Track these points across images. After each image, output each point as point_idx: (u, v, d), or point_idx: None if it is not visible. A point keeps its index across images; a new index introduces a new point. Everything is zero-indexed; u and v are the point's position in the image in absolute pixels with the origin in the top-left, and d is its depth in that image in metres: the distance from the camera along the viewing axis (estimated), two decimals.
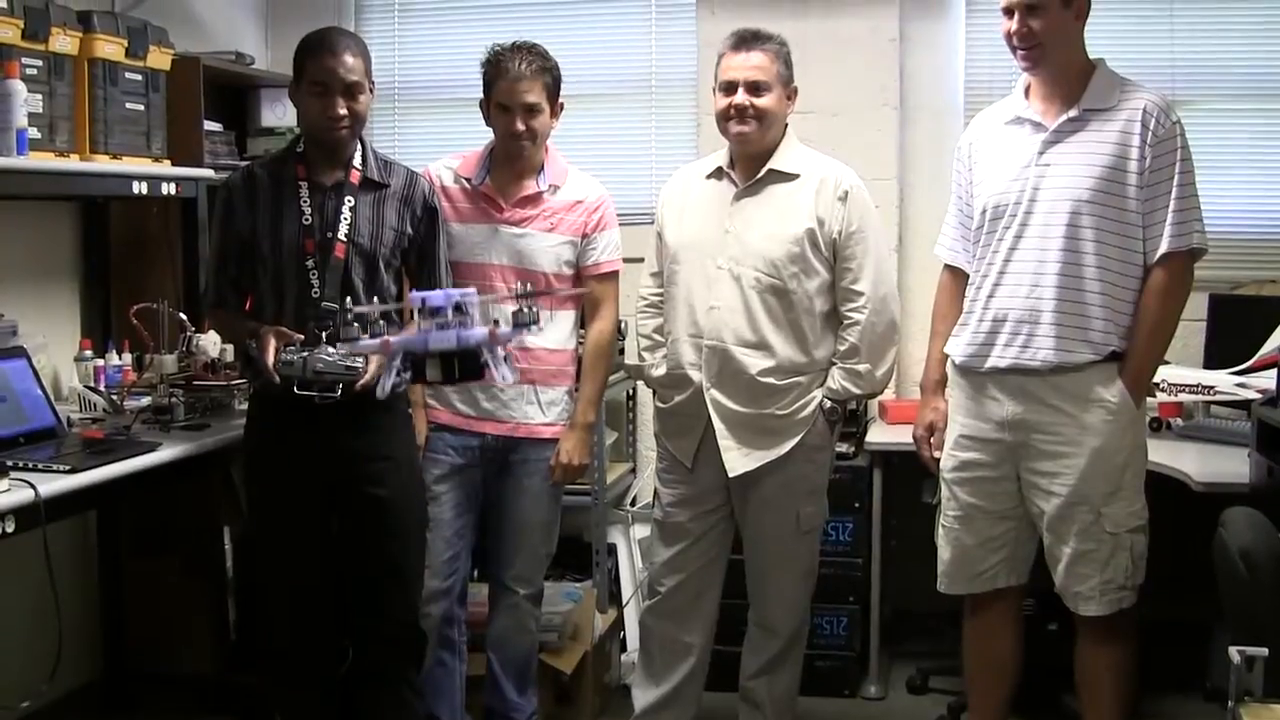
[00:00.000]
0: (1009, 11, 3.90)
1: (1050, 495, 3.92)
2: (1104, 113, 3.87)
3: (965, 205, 4.21)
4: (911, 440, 4.38)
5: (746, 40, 4.26)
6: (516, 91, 4.27)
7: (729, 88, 4.25)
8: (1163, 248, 3.81)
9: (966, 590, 4.19)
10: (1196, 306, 5.08)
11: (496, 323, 3.54)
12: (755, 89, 4.21)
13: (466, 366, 3.60)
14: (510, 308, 4.03)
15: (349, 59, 3.97)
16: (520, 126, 4.28)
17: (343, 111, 3.96)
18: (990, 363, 3.98)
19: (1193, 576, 3.93)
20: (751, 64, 4.22)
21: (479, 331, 3.53)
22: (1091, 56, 3.97)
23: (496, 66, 4.31)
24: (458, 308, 3.55)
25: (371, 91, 4.10)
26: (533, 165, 4.41)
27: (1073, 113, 3.89)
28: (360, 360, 3.88)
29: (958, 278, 4.25)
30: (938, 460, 4.23)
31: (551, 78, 4.34)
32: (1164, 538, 4.06)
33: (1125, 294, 3.87)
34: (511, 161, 4.38)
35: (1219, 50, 5.72)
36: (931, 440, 4.28)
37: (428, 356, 3.60)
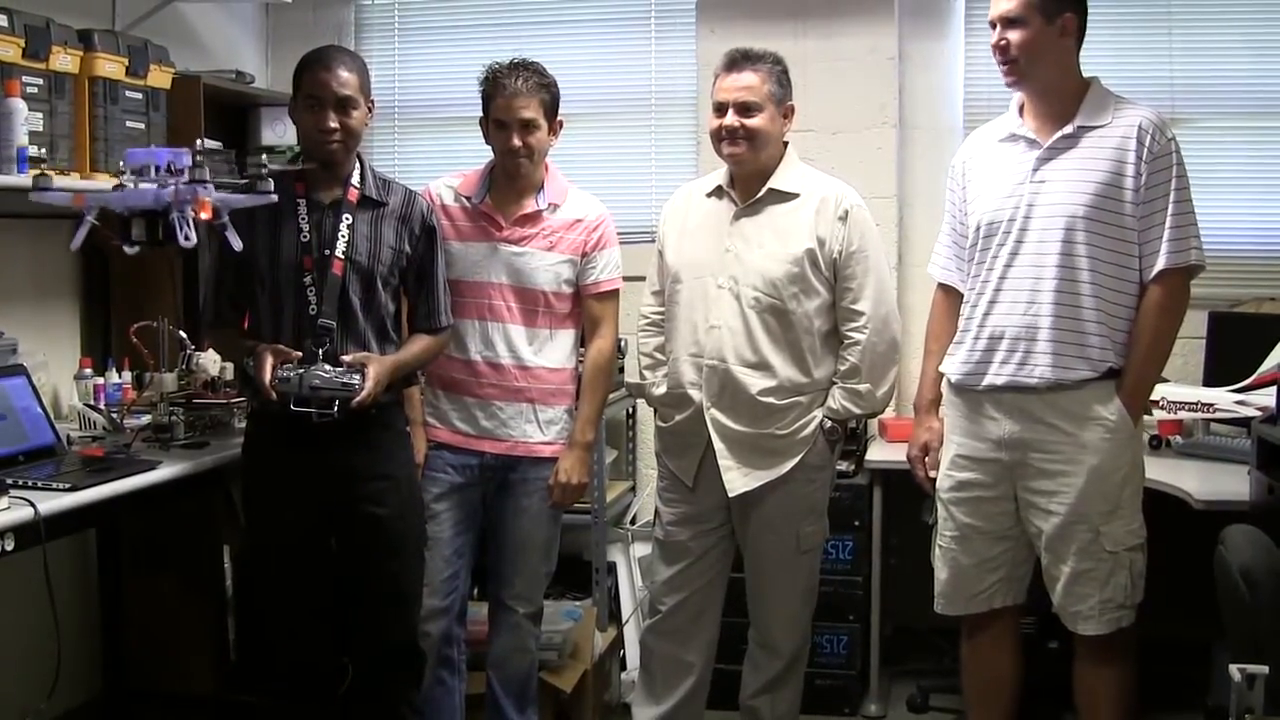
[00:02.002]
0: (993, 25, 3.93)
1: (1048, 514, 3.91)
2: (1098, 129, 3.87)
3: (959, 224, 4.21)
4: (906, 460, 4.38)
5: (737, 61, 4.26)
6: (513, 107, 4.27)
7: (720, 109, 4.25)
8: (1160, 264, 3.81)
9: (964, 611, 4.18)
10: (1196, 324, 5.10)
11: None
12: (745, 109, 4.21)
13: (167, 227, 3.62)
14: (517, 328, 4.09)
15: (343, 73, 3.98)
16: (517, 142, 4.28)
17: (334, 125, 3.97)
18: (987, 381, 3.97)
19: (1193, 594, 3.92)
20: (741, 84, 4.22)
21: (167, 190, 3.54)
22: (1086, 75, 3.97)
23: (494, 83, 4.32)
24: (158, 168, 3.57)
25: (370, 110, 4.11)
26: (532, 184, 4.41)
27: (1067, 129, 3.89)
28: (357, 377, 3.89)
29: (951, 296, 4.25)
30: (933, 480, 4.23)
31: (549, 95, 4.35)
32: (1164, 556, 4.05)
33: (1122, 311, 3.87)
34: (510, 179, 4.38)
35: (1218, 69, 5.73)
36: (926, 460, 4.27)
37: (132, 216, 3.61)
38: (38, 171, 4.03)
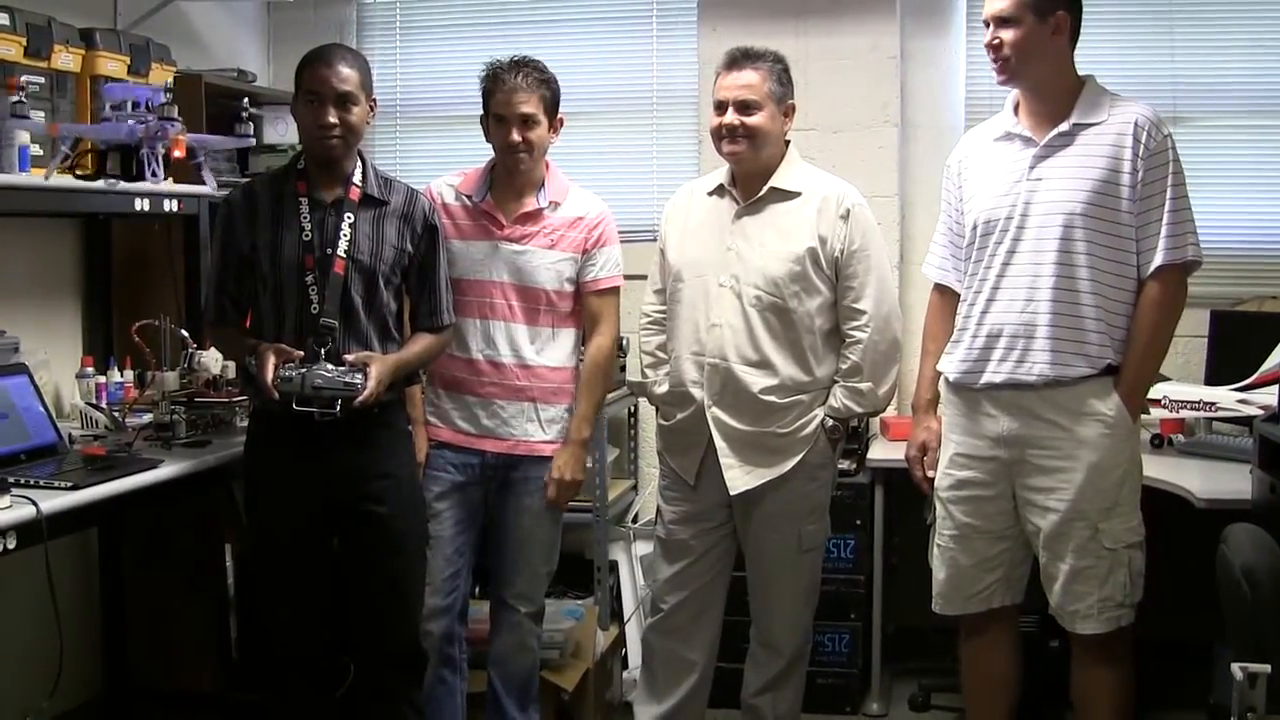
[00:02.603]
0: (987, 24, 3.94)
1: (1047, 511, 3.91)
2: (1094, 127, 3.87)
3: (955, 223, 4.21)
4: (904, 460, 4.38)
5: (737, 59, 4.27)
6: (513, 102, 4.28)
7: (721, 107, 4.25)
8: (1157, 260, 3.81)
9: (962, 611, 4.17)
10: (1198, 323, 5.10)
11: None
12: (745, 108, 4.21)
13: (139, 162, 3.68)
14: (519, 326, 4.11)
15: (343, 69, 3.98)
16: (516, 137, 4.28)
17: (333, 120, 3.96)
18: (985, 379, 3.97)
19: (1195, 593, 3.92)
20: (741, 83, 4.22)
21: (140, 126, 3.58)
22: (1082, 73, 3.97)
23: (494, 79, 4.32)
24: (138, 104, 3.61)
25: (372, 108, 4.11)
26: (533, 182, 4.41)
27: (1063, 127, 3.89)
28: (359, 377, 3.89)
29: (947, 296, 4.25)
30: (931, 480, 4.23)
31: (549, 91, 4.35)
32: (1165, 555, 4.05)
33: (1119, 307, 3.87)
34: (510, 176, 4.38)
35: (1219, 67, 5.73)
36: (925, 460, 4.27)
37: (108, 150, 3.64)
38: (17, 99, 4.02)
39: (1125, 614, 3.91)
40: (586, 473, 4.64)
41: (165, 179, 3.59)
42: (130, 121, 3.58)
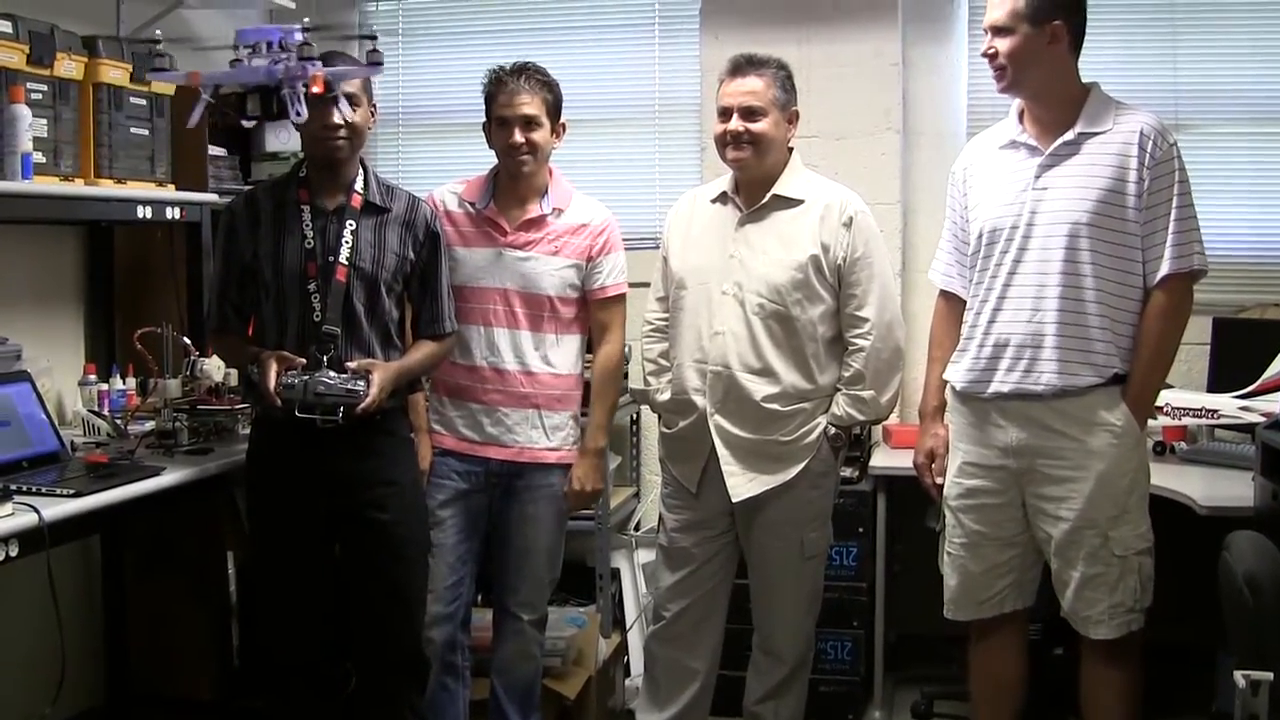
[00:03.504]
0: (986, 33, 3.96)
1: (1057, 520, 3.91)
2: (1100, 135, 3.87)
3: (960, 230, 4.21)
4: (912, 467, 4.38)
5: (741, 66, 4.27)
6: (515, 104, 4.29)
7: (725, 113, 4.26)
8: (1163, 269, 3.81)
9: (973, 616, 4.17)
10: (1200, 330, 5.10)
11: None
12: (750, 114, 4.22)
13: (280, 101, 3.69)
14: (523, 333, 4.12)
15: None
16: (519, 139, 4.29)
17: (338, 120, 3.96)
18: (993, 388, 3.97)
19: (1197, 600, 3.93)
20: (745, 89, 4.23)
21: (279, 66, 3.60)
22: (1086, 80, 3.97)
23: (497, 83, 4.34)
24: (271, 45, 3.62)
25: (373, 112, 4.12)
26: (536, 189, 4.42)
27: (1069, 136, 3.89)
28: (361, 384, 3.89)
29: (953, 304, 4.25)
30: (939, 487, 4.23)
31: (551, 95, 4.36)
32: (1168, 562, 4.04)
33: (1126, 316, 3.87)
34: (514, 181, 4.39)
35: (1222, 74, 5.72)
36: (933, 467, 4.27)
37: (247, 93, 3.67)
38: (148, 51, 4.08)
39: (1136, 619, 3.91)
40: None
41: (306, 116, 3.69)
42: (270, 62, 3.63)
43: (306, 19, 3.92)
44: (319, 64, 3.71)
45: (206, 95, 3.79)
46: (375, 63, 3.83)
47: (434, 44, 6.62)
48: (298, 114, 3.71)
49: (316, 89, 3.71)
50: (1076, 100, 3.93)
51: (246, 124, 3.90)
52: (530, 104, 4.30)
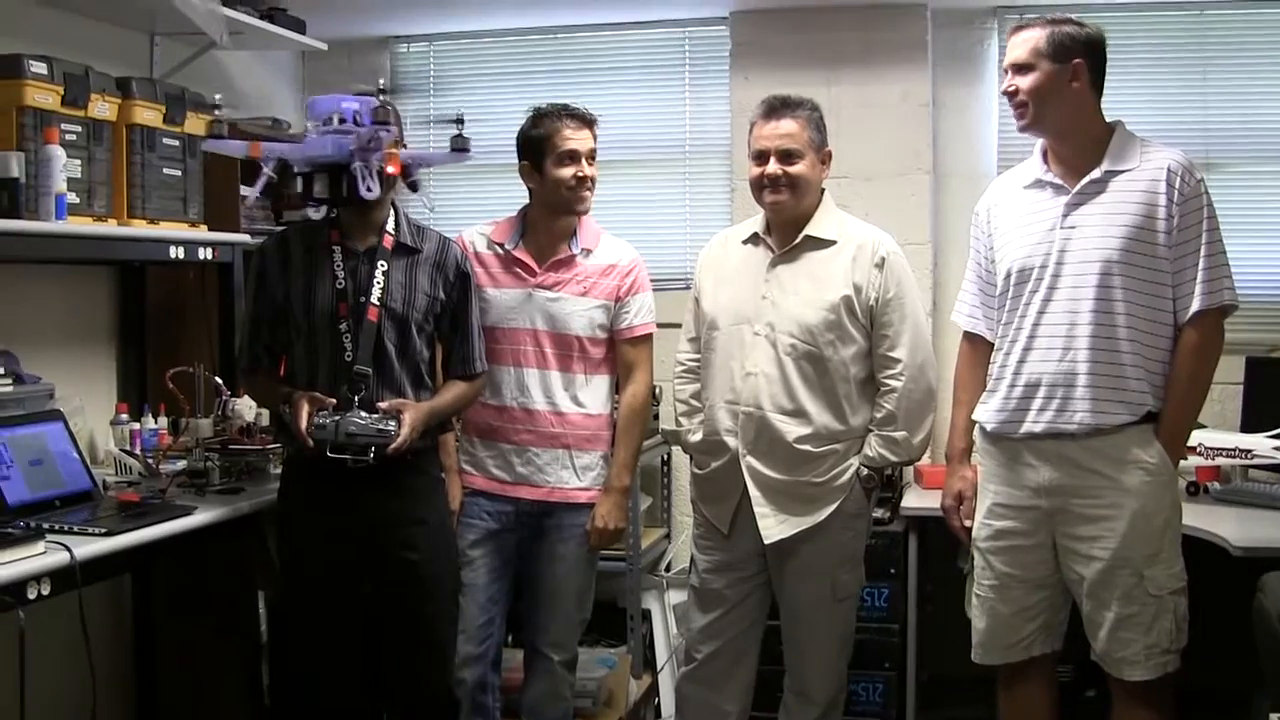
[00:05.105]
0: (1006, 72, 3.98)
1: (1090, 560, 3.88)
2: (1127, 173, 3.86)
3: (985, 271, 4.19)
4: (940, 510, 4.36)
5: (776, 108, 4.28)
6: (582, 137, 4.36)
7: (761, 156, 4.27)
8: (1195, 306, 3.80)
9: (1002, 660, 4.14)
10: (1233, 369, 5.07)
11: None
12: (786, 157, 4.22)
13: (350, 183, 3.66)
14: (552, 374, 4.12)
15: None
16: (589, 171, 4.35)
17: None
18: (1025, 428, 3.95)
19: (1231, 641, 3.89)
20: (781, 132, 4.24)
21: (349, 139, 3.54)
22: (1113, 119, 3.97)
23: (555, 119, 4.37)
24: (344, 119, 3.57)
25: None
26: (566, 229, 4.44)
27: (1095, 174, 3.89)
28: (392, 424, 3.90)
29: (978, 345, 4.23)
30: (968, 529, 4.21)
31: (595, 133, 4.44)
32: (1202, 603, 4.02)
33: (1157, 354, 3.85)
34: (555, 220, 4.43)
35: (1253, 114, 5.72)
36: (961, 509, 4.25)
37: (315, 172, 3.63)
38: (211, 118, 4.04)
39: (1171, 660, 3.87)
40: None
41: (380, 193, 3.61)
42: (336, 136, 3.57)
43: (382, 80, 3.91)
44: (393, 130, 3.69)
45: (269, 170, 3.77)
46: (460, 149, 3.80)
47: (464, 86, 6.64)
48: (368, 189, 3.70)
49: (392, 169, 3.70)
50: (1100, 138, 3.92)
51: (313, 211, 3.89)
52: (590, 139, 4.36)
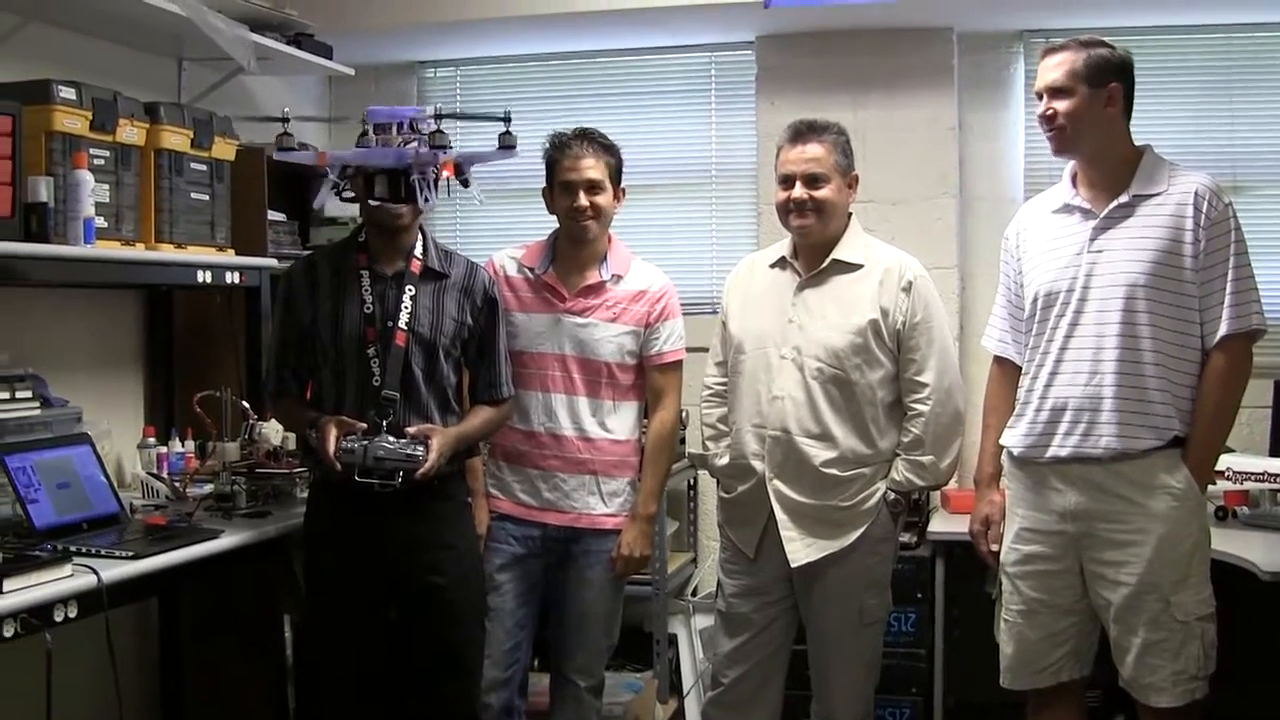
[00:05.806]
0: (1039, 96, 3.97)
1: (1117, 585, 3.86)
2: (1154, 197, 3.85)
3: (1014, 295, 4.18)
4: (968, 535, 4.35)
5: (802, 133, 4.28)
6: (579, 168, 4.32)
7: (787, 181, 4.26)
8: (1222, 330, 3.78)
9: (1031, 685, 4.11)
10: (1261, 394, 5.06)
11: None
12: (813, 181, 4.22)
13: (409, 186, 3.82)
14: (580, 399, 4.12)
15: None
16: (584, 202, 4.31)
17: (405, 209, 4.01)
18: (1051, 453, 3.93)
19: (1260, 666, 3.87)
20: (808, 156, 4.24)
21: (409, 150, 3.63)
22: (1142, 142, 3.96)
23: (560, 147, 4.37)
24: (402, 125, 3.67)
25: None
26: (596, 255, 4.43)
27: (1123, 199, 3.88)
28: (420, 449, 3.90)
29: (1007, 369, 4.21)
30: (996, 554, 4.19)
31: (614, 159, 4.39)
32: (1230, 628, 4.00)
33: (1185, 378, 3.84)
34: (576, 247, 4.41)
35: (1279, 137, 5.70)
36: (989, 534, 4.24)
37: (376, 174, 3.71)
38: (282, 131, 4.11)
39: (1200, 686, 3.84)
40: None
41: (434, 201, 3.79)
42: (401, 146, 3.71)
43: (439, 104, 3.98)
44: (451, 150, 3.77)
45: (333, 175, 3.84)
46: (507, 146, 3.86)
47: (491, 110, 6.63)
48: (426, 200, 3.76)
49: (448, 173, 3.77)
50: (1130, 162, 3.92)
51: (374, 204, 3.96)
52: (594, 168, 4.32)
